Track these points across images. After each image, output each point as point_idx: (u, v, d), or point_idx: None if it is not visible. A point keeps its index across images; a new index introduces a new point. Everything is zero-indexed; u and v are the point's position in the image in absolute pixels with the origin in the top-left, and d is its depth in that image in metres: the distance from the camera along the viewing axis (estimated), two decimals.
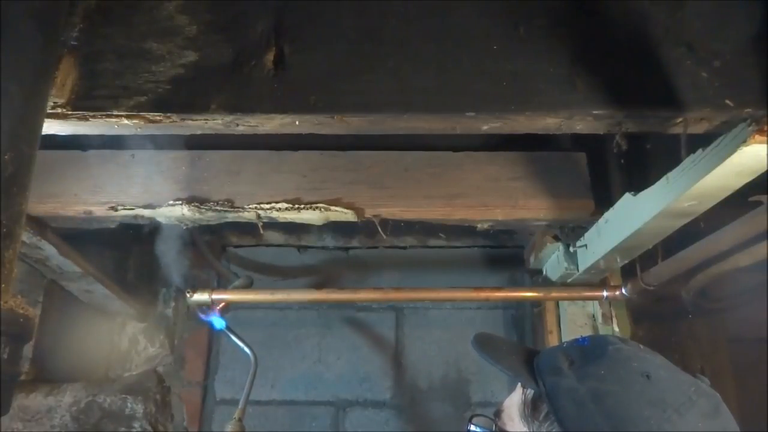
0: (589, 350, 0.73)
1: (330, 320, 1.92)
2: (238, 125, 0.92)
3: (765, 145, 0.77)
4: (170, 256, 1.56)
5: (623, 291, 1.42)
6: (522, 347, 0.85)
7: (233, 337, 1.52)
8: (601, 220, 1.27)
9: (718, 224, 1.07)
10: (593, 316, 1.68)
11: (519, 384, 0.77)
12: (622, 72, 0.90)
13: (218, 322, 1.49)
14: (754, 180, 0.86)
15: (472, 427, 0.81)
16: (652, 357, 0.72)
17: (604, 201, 1.32)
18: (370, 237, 1.88)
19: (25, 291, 1.57)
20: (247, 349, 1.50)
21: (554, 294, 1.58)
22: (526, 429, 0.73)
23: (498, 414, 0.79)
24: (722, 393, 0.67)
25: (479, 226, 1.41)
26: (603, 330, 1.63)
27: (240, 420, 1.39)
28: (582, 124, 0.92)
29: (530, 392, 0.74)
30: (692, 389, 0.66)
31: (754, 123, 0.78)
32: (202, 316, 1.49)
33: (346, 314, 1.93)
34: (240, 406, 1.41)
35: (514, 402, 0.77)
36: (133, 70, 0.90)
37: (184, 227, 1.41)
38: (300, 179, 1.37)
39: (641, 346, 0.75)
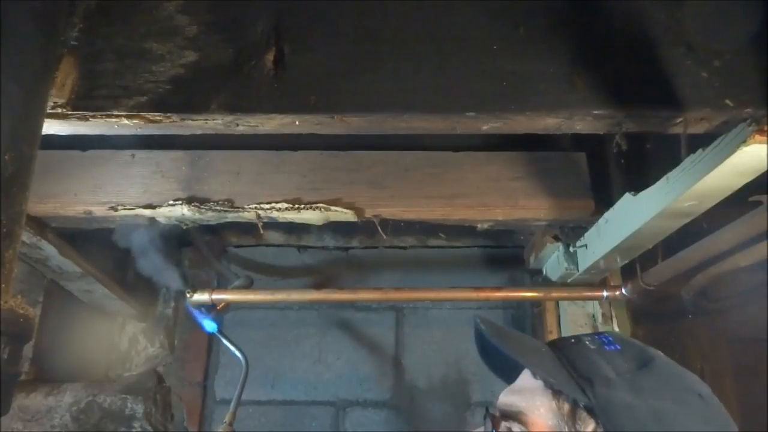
0: (633, 358, 0.65)
1: (330, 320, 1.92)
2: (238, 125, 0.92)
3: (765, 145, 0.77)
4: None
5: (623, 291, 1.42)
6: (537, 341, 0.74)
7: (224, 341, 1.52)
8: (601, 220, 1.27)
9: (718, 224, 1.07)
10: (593, 316, 1.68)
11: (532, 380, 0.67)
12: (622, 72, 0.90)
13: (209, 326, 1.49)
14: (754, 180, 0.86)
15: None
16: (686, 369, 0.66)
17: (604, 201, 1.32)
18: (370, 237, 1.88)
19: (25, 291, 1.57)
20: (238, 354, 1.50)
21: (554, 294, 1.57)
22: None
23: (513, 416, 0.66)
24: (722, 393, 0.67)
25: (479, 226, 1.41)
26: (603, 330, 1.63)
27: (230, 424, 1.39)
28: (582, 124, 0.92)
29: (564, 397, 0.63)
30: (721, 404, 0.63)
31: (754, 123, 0.77)
32: (197, 313, 1.48)
33: (345, 314, 1.93)
34: (231, 410, 1.42)
35: (546, 408, 0.64)
36: (133, 70, 0.90)
37: (184, 227, 1.41)
38: (300, 179, 1.37)
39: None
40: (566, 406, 0.63)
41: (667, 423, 0.58)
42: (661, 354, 0.68)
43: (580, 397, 0.61)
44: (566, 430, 0.62)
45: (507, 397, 0.69)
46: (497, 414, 0.68)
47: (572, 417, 0.62)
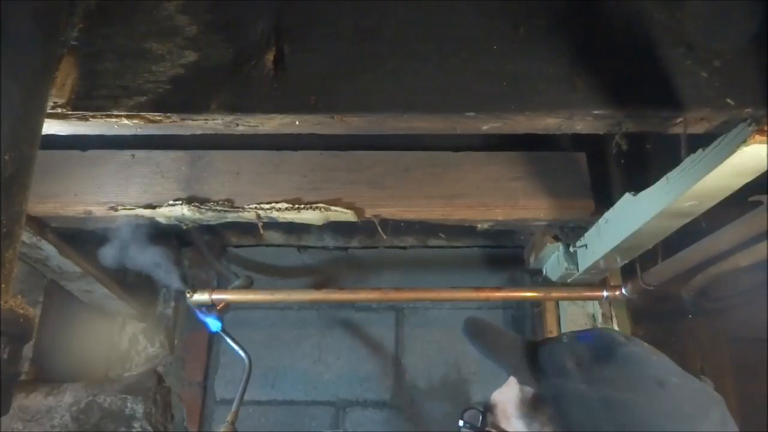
0: (598, 349, 0.67)
1: (330, 320, 1.92)
2: (238, 125, 0.92)
3: (765, 145, 0.77)
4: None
5: (623, 291, 1.42)
6: (519, 338, 0.78)
7: (228, 341, 1.52)
8: (601, 220, 1.27)
9: (718, 224, 1.07)
10: (593, 316, 1.68)
11: (513, 377, 0.72)
12: (622, 72, 0.90)
13: (214, 324, 1.49)
14: (754, 180, 0.86)
15: (461, 423, 0.75)
16: (661, 360, 0.67)
17: (604, 201, 1.31)
18: (370, 237, 1.88)
19: (25, 291, 1.57)
20: (242, 353, 1.50)
21: (554, 294, 1.57)
22: (524, 429, 0.67)
23: (490, 409, 0.73)
24: (722, 393, 0.66)
25: (479, 226, 1.41)
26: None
27: (232, 423, 1.39)
28: (582, 124, 0.92)
29: (529, 389, 0.69)
30: (704, 397, 0.63)
31: (754, 123, 0.77)
32: (200, 314, 1.49)
33: (345, 314, 1.93)
34: (233, 409, 1.42)
35: (509, 398, 0.71)
36: (133, 70, 0.90)
37: (184, 227, 1.41)
38: (300, 179, 1.37)
39: (646, 345, 0.70)
40: (528, 395, 0.68)
41: (617, 410, 0.60)
42: (635, 344, 0.69)
43: (534, 387, 0.67)
44: (526, 412, 0.67)
45: (495, 393, 0.75)
46: (483, 410, 0.74)
47: (532, 407, 0.67)
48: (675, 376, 0.65)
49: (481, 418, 0.73)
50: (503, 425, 0.70)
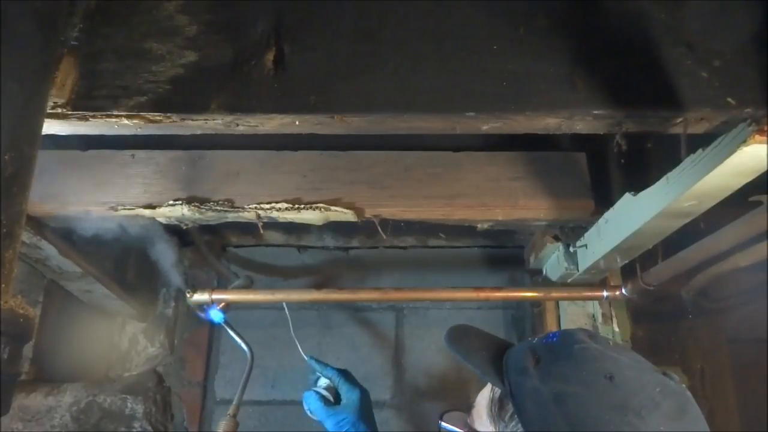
0: (557, 348, 0.71)
1: (330, 320, 1.92)
2: (238, 125, 0.92)
3: (765, 145, 0.77)
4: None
5: (623, 291, 1.42)
6: (496, 341, 0.83)
7: (231, 333, 1.52)
8: (601, 220, 1.27)
9: (718, 224, 1.07)
10: (593, 316, 1.68)
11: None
12: (622, 72, 0.90)
13: (216, 315, 1.49)
14: (754, 180, 0.86)
15: (443, 424, 0.83)
16: (620, 356, 0.70)
17: (604, 201, 1.31)
18: (370, 237, 1.88)
19: (25, 291, 1.56)
20: (244, 346, 1.50)
21: (554, 294, 1.57)
22: (492, 429, 0.72)
23: (469, 410, 0.79)
24: (722, 393, 0.67)
25: (479, 226, 1.41)
26: (603, 330, 1.63)
27: (234, 416, 1.38)
28: (582, 124, 0.92)
29: (498, 390, 0.74)
30: (657, 390, 0.65)
31: (754, 123, 0.77)
32: (201, 314, 1.49)
33: (346, 314, 1.93)
34: (234, 403, 1.41)
35: (483, 398, 0.77)
36: (133, 70, 0.90)
37: (184, 227, 1.41)
38: (300, 179, 1.37)
39: (611, 343, 0.74)
40: (497, 395, 0.74)
41: (566, 403, 0.64)
42: (597, 342, 0.72)
43: (499, 386, 0.73)
44: (494, 411, 0.73)
45: (478, 395, 0.80)
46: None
47: (499, 403, 0.73)
48: (630, 370, 0.67)
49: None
50: (476, 425, 0.76)
